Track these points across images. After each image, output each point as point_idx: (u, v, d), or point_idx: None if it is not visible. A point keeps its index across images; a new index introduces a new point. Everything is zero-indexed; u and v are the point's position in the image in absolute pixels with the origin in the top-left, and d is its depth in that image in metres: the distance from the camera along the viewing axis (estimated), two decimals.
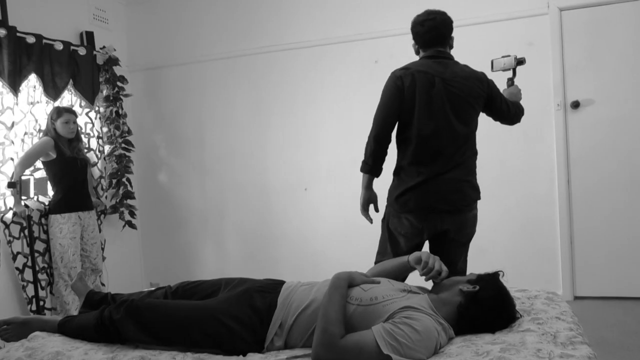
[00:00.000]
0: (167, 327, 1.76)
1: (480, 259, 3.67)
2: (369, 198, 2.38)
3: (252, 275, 3.80)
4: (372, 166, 2.31)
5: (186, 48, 4.49)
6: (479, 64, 3.66)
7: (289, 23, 4.16)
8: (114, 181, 4.18)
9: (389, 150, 2.32)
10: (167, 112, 4.60)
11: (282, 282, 1.93)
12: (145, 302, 1.84)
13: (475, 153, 2.36)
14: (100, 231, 3.92)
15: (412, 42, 2.39)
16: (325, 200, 4.12)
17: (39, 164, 3.48)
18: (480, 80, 2.31)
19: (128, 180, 4.25)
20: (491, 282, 1.71)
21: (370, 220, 2.42)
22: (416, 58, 2.39)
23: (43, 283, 3.49)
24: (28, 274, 3.39)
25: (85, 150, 3.96)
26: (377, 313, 1.61)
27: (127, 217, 4.24)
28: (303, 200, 4.20)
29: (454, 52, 3.72)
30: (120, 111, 4.21)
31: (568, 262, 3.63)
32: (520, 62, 2.58)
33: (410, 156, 2.27)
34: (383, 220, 2.39)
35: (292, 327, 1.71)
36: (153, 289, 2.17)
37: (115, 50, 4.21)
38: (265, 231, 4.25)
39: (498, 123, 3.64)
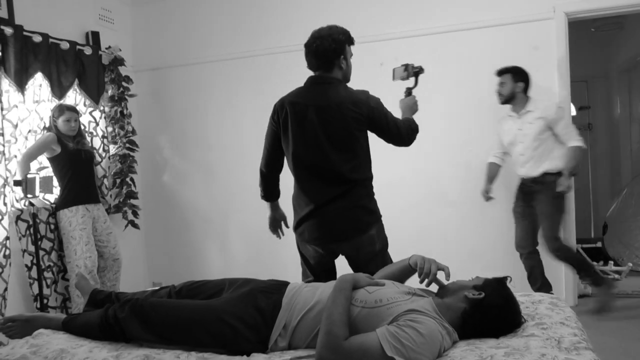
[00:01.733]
0: (171, 326, 1.76)
1: (483, 261, 3.69)
2: (274, 218, 2.59)
3: (256, 276, 3.79)
4: (264, 194, 2.52)
5: (191, 49, 4.50)
6: (484, 68, 3.70)
7: (295, 24, 4.16)
8: (118, 181, 4.19)
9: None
10: (172, 113, 4.61)
11: (286, 283, 1.93)
12: (150, 302, 1.85)
13: (368, 177, 2.32)
14: (108, 214, 3.97)
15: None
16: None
17: (45, 162, 3.51)
18: (355, 104, 2.21)
19: (132, 180, 4.26)
20: (497, 289, 1.69)
21: (279, 236, 2.63)
22: None
23: (49, 281, 3.51)
24: (34, 272, 3.40)
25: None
26: (382, 316, 1.61)
27: (130, 216, 4.25)
28: None
29: (459, 57, 3.77)
30: (125, 111, 4.22)
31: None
32: (418, 71, 2.53)
33: (294, 187, 2.34)
34: (296, 245, 2.44)
35: (296, 328, 1.71)
36: (157, 288, 2.17)
37: (120, 50, 4.23)
38: (270, 232, 4.24)
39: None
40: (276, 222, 2.59)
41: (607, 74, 5.86)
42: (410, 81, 2.51)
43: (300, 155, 2.26)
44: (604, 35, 5.52)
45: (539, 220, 3.44)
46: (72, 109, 3.55)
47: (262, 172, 2.46)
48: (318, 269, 2.37)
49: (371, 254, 2.30)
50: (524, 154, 3.43)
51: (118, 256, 3.78)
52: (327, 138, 2.21)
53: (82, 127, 3.87)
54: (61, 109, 3.49)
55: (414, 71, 2.51)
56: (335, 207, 2.23)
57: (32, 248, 3.40)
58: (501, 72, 3.47)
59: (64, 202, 3.47)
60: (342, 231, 2.25)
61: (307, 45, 2.28)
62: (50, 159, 3.46)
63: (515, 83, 3.43)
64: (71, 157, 3.48)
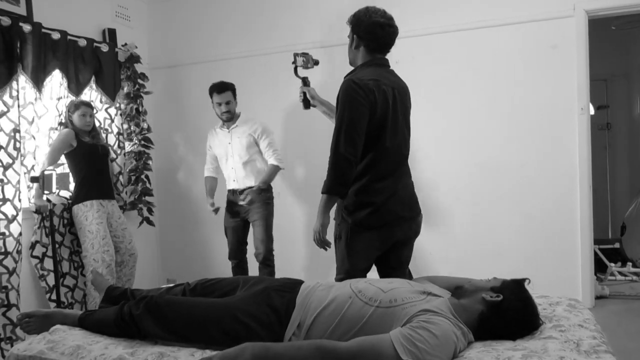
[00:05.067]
0: (185, 324, 1.77)
1: (499, 262, 3.65)
2: (328, 224, 2.19)
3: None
4: (345, 188, 2.12)
5: (207, 46, 4.51)
6: (502, 66, 3.66)
7: (310, 23, 4.16)
8: (133, 178, 4.21)
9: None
10: (187, 110, 4.63)
11: (300, 282, 1.93)
12: (165, 299, 1.86)
13: None
14: (124, 210, 4.01)
15: (352, 34, 2.27)
16: None
17: (62, 158, 3.53)
18: (409, 91, 2.37)
19: (147, 177, 4.28)
20: (516, 292, 1.67)
21: (329, 246, 2.24)
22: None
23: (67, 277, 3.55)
24: (48, 264, 3.43)
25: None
26: (396, 316, 1.60)
27: (146, 213, 4.27)
28: (319, 200, 4.18)
29: (476, 55, 3.73)
30: (140, 108, 4.24)
31: (588, 268, 3.57)
32: (316, 63, 2.75)
33: (375, 172, 2.17)
34: (339, 238, 2.25)
35: (311, 327, 1.70)
36: (171, 285, 2.18)
37: (136, 47, 4.25)
38: (283, 230, 4.25)
39: (519, 126, 3.64)
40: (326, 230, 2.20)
41: (627, 72, 5.76)
42: (307, 71, 2.69)
43: (390, 138, 2.17)
44: (625, 34, 5.42)
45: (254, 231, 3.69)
46: (87, 104, 3.57)
47: (349, 161, 2.07)
48: (367, 262, 2.24)
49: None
50: (234, 167, 3.64)
51: (134, 251, 3.80)
52: (404, 121, 2.28)
53: (98, 124, 3.90)
54: (77, 104, 3.52)
55: (313, 62, 2.70)
56: (405, 184, 2.29)
57: (45, 240, 3.42)
58: (225, 89, 3.60)
59: (79, 196, 3.48)
60: (413, 207, 2.32)
61: (389, 26, 2.21)
62: (67, 154, 3.48)
63: (234, 100, 3.65)
64: (87, 153, 3.50)
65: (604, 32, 5.03)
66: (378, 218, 2.17)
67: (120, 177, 4.14)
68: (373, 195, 2.17)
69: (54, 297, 3.44)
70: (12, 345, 3.00)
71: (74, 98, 3.66)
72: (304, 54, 2.71)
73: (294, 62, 2.72)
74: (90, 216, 3.46)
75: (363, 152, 2.13)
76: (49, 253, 3.44)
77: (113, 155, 4.07)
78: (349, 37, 2.30)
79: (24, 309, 3.14)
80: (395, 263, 2.32)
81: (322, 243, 2.21)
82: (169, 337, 1.76)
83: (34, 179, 3.25)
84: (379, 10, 2.24)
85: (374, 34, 2.21)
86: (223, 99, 3.60)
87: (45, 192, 3.25)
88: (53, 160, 3.36)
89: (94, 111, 3.68)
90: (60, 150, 3.41)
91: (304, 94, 2.69)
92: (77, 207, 3.48)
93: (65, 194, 3.61)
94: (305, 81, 2.70)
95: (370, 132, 2.12)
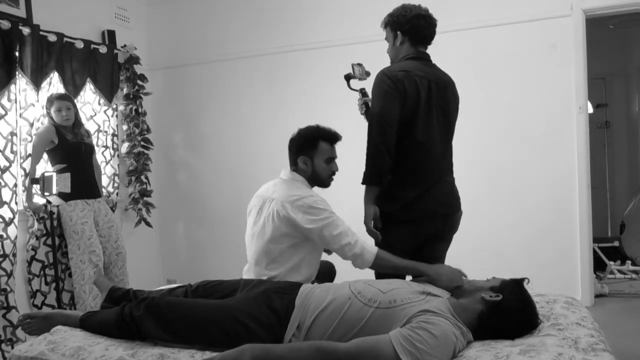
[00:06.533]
0: (186, 325, 1.77)
1: (498, 261, 3.65)
2: (375, 213, 2.20)
3: None
4: (383, 177, 2.13)
5: (206, 47, 4.52)
6: (500, 66, 3.67)
7: (312, 22, 4.15)
8: (132, 178, 4.22)
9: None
10: (187, 111, 4.63)
11: (300, 284, 1.93)
12: (165, 300, 1.86)
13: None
14: (113, 212, 3.90)
15: (394, 32, 2.27)
16: (344, 199, 4.09)
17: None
18: (454, 85, 2.34)
19: (146, 177, 4.29)
20: (515, 292, 1.67)
21: (377, 237, 2.23)
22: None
23: (49, 279, 3.45)
24: (35, 268, 3.39)
25: (104, 149, 4.00)
26: (396, 316, 1.60)
27: (145, 214, 4.28)
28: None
29: (475, 55, 3.74)
30: (140, 109, 4.25)
31: (587, 266, 3.58)
32: (368, 74, 2.53)
33: (406, 165, 2.17)
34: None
35: (310, 328, 1.71)
36: (173, 286, 2.19)
37: (136, 48, 4.26)
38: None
39: (517, 125, 3.65)
40: (377, 217, 2.21)
41: (625, 71, 5.77)
42: (362, 83, 2.51)
43: (424, 131, 2.15)
44: (623, 32, 5.43)
45: None
46: (62, 97, 3.41)
47: (381, 151, 2.08)
48: (401, 254, 2.19)
49: (454, 233, 2.39)
50: None
51: (121, 250, 3.65)
52: (444, 115, 2.24)
53: (97, 127, 3.88)
54: (50, 100, 3.38)
55: (365, 73, 2.53)
56: (444, 181, 2.28)
57: (34, 243, 3.39)
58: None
59: (63, 196, 3.36)
60: (451, 204, 2.31)
61: (429, 17, 2.24)
62: (49, 152, 3.37)
63: None
64: (70, 150, 3.39)
65: (601, 31, 5.04)
66: (408, 213, 2.17)
67: (116, 178, 4.11)
68: (405, 189, 2.17)
69: (37, 302, 3.38)
70: (12, 347, 3.00)
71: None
72: (359, 65, 2.52)
73: (351, 74, 2.50)
74: (75, 216, 3.35)
75: (396, 143, 2.13)
76: (37, 257, 3.41)
77: (108, 156, 4.05)
78: (386, 39, 2.33)
79: (20, 311, 3.14)
80: (429, 259, 2.24)
81: (371, 233, 2.22)
82: (169, 339, 1.77)
83: (34, 181, 3.24)
84: (415, 5, 2.26)
85: (417, 25, 2.23)
86: None
87: (46, 193, 3.24)
88: (36, 159, 3.29)
89: (73, 103, 3.48)
90: (41, 147, 3.32)
91: (367, 105, 2.48)
92: (62, 207, 3.37)
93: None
94: (364, 92, 2.50)
95: (401, 122, 2.12)
